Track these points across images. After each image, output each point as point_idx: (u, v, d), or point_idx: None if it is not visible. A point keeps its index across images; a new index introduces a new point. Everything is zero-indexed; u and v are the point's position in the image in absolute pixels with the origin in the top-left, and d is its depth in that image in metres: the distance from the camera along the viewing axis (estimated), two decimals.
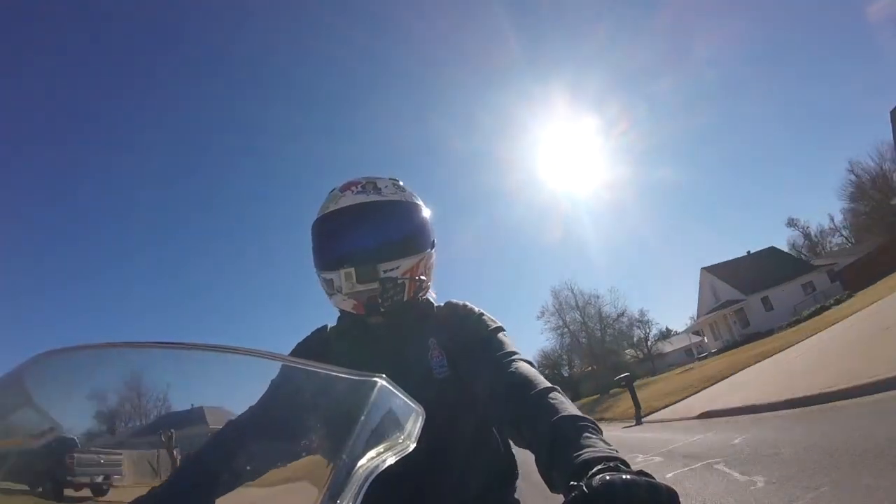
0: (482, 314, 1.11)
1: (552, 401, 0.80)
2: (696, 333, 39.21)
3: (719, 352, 28.62)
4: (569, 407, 0.79)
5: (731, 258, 34.72)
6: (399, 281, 1.06)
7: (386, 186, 1.12)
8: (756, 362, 14.30)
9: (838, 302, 22.08)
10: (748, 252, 34.28)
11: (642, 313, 41.21)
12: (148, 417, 0.54)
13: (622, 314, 39.01)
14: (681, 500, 0.53)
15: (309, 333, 1.19)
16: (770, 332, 24.43)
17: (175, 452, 0.58)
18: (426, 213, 1.17)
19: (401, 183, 1.17)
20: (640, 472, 0.55)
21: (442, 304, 1.17)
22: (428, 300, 1.16)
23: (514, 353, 0.98)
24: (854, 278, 25.52)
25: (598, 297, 38.95)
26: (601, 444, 0.67)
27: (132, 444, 0.56)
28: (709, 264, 34.65)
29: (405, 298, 1.07)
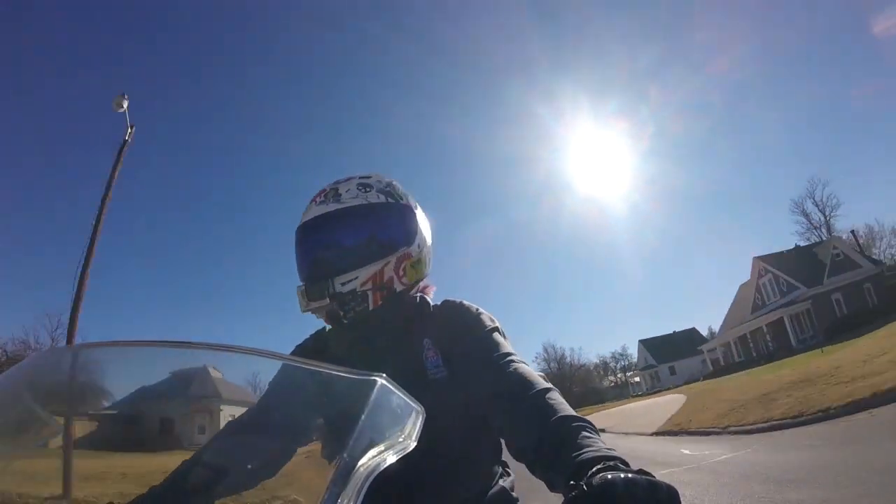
0: (480, 313, 1.08)
1: (550, 401, 0.80)
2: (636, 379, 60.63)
3: (645, 393, 47.41)
4: (566, 407, 0.79)
5: (664, 333, 54.74)
6: (358, 292, 1.02)
7: (348, 191, 1.07)
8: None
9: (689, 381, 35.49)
10: (674, 331, 54.02)
11: (624, 348, 64.44)
12: (148, 416, 0.54)
13: (582, 366, 63.83)
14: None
15: (308, 336, 1.19)
16: (668, 388, 37.67)
17: (175, 451, 0.58)
18: (397, 210, 1.09)
19: (370, 181, 1.10)
20: (640, 471, 0.55)
21: (439, 302, 1.15)
22: (424, 299, 1.13)
23: (510, 353, 0.97)
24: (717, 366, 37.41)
25: (572, 350, 65.28)
26: (599, 443, 0.68)
27: (132, 442, 0.56)
28: (645, 337, 55.27)
29: (371, 307, 1.03)
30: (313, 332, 1.19)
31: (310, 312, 1.06)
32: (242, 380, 0.56)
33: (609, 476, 0.54)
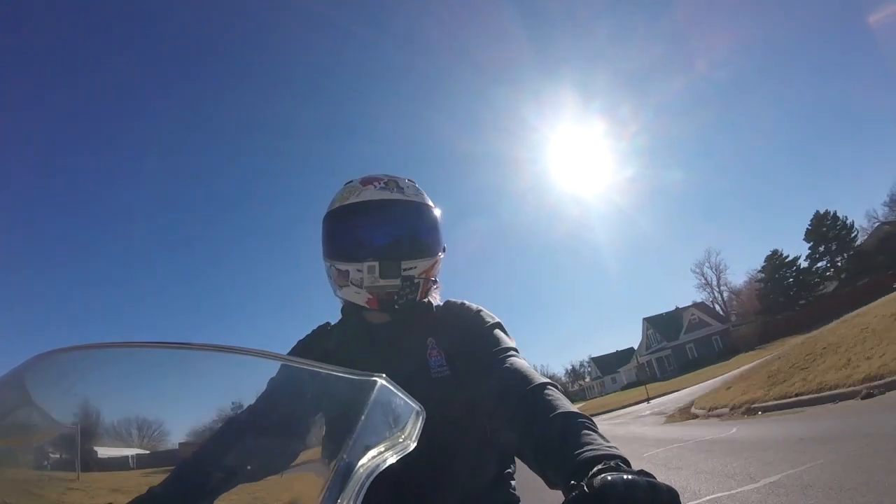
0: (480, 310, 1.11)
1: (549, 397, 0.79)
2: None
3: (594, 396, 62.73)
4: (566, 403, 0.78)
5: (613, 350, 69.02)
6: (416, 280, 1.07)
7: (407, 186, 1.13)
8: None
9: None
10: (616, 350, 68.15)
11: (590, 356, 77.30)
12: (148, 417, 0.54)
13: (551, 377, 71.65)
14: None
15: (310, 331, 1.19)
16: (610, 393, 54.33)
17: (175, 452, 0.58)
18: (440, 216, 1.18)
19: (417, 185, 1.17)
20: (641, 472, 0.55)
21: (441, 303, 1.16)
22: (429, 300, 1.15)
23: (510, 348, 0.97)
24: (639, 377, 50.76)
25: (542, 366, 70.23)
26: (600, 441, 0.67)
27: (132, 443, 0.56)
28: (597, 355, 71.66)
29: (417, 298, 1.09)
30: (315, 327, 1.19)
31: (351, 291, 1.07)
32: (242, 381, 0.55)
33: (609, 477, 0.53)
